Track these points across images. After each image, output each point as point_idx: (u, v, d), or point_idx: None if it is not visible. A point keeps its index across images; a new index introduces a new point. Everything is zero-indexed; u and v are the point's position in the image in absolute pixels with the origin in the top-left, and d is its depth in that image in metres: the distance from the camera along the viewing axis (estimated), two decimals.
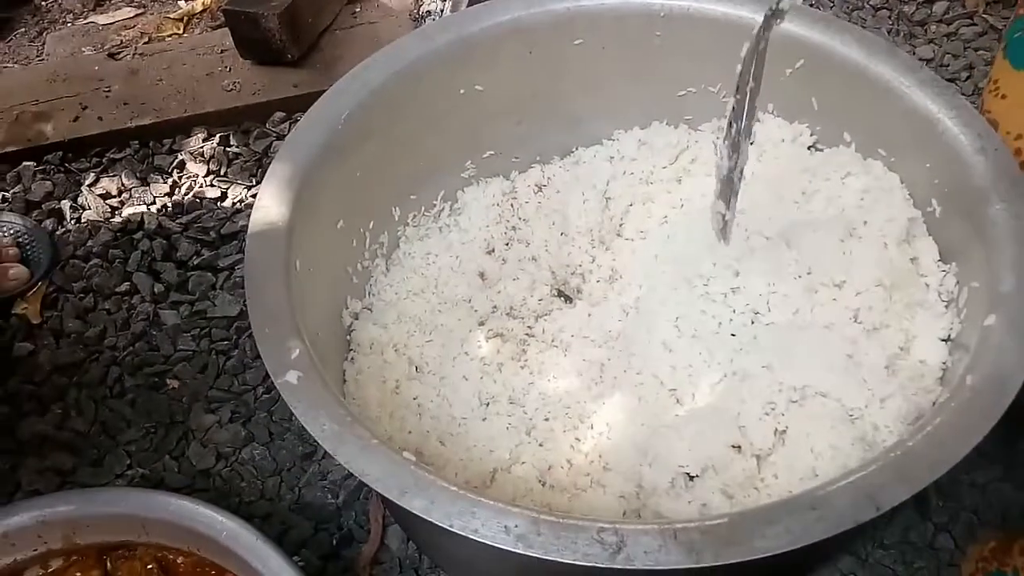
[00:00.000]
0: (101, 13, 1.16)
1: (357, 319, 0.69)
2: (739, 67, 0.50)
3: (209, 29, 1.09)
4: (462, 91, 0.71)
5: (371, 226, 0.70)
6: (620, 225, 0.74)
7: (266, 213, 0.55)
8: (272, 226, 0.54)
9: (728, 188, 0.55)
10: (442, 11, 0.97)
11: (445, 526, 0.41)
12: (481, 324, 0.70)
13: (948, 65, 0.95)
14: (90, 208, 0.92)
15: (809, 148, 0.68)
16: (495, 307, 0.72)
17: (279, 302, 0.51)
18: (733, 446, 0.52)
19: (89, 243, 0.88)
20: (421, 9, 0.98)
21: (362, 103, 0.64)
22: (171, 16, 1.11)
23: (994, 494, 0.65)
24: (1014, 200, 0.51)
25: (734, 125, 0.52)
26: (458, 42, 0.68)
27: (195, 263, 0.86)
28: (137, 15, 1.14)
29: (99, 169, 0.95)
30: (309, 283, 0.57)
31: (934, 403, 0.52)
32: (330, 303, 0.65)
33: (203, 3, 1.11)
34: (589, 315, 0.69)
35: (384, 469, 0.43)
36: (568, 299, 0.73)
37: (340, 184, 0.63)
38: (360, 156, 0.65)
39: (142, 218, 0.90)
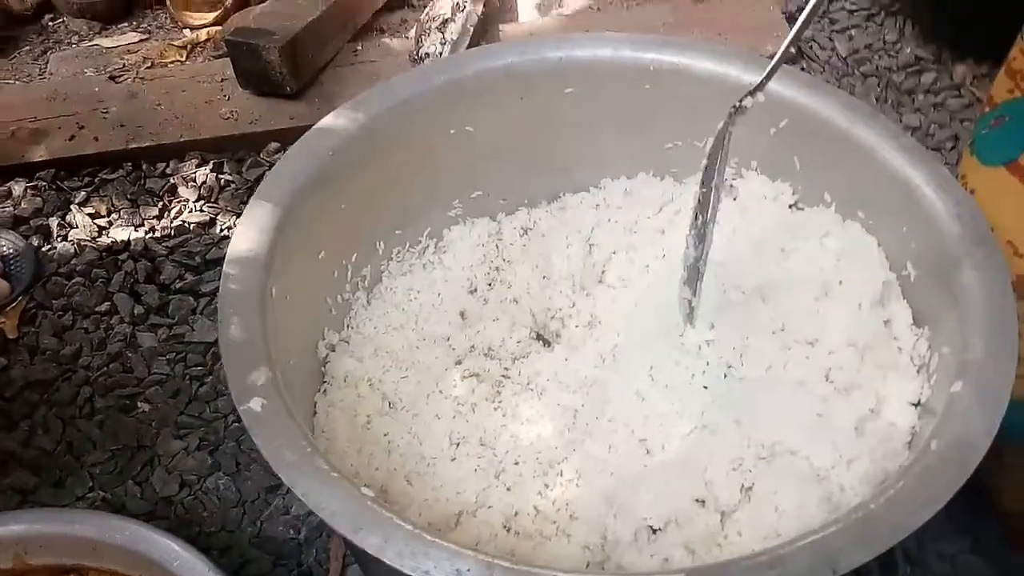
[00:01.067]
0: (106, 36, 1.17)
1: (333, 351, 0.69)
2: (704, 161, 0.51)
3: (212, 58, 1.10)
4: (452, 131, 0.72)
5: (354, 259, 0.70)
6: (603, 272, 0.74)
7: (246, 239, 0.55)
8: (251, 252, 0.54)
9: (695, 276, 0.56)
10: (441, 53, 0.98)
11: (396, 566, 0.41)
12: (458, 363, 0.70)
13: (934, 134, 0.97)
14: (78, 227, 0.92)
15: (790, 207, 0.69)
16: (473, 347, 0.71)
17: (251, 328, 0.50)
18: (697, 500, 0.52)
19: (73, 261, 0.88)
20: (421, 51, 1.00)
21: (352, 136, 0.64)
22: (175, 43, 1.12)
23: (963, 566, 0.65)
24: (987, 268, 0.52)
25: (699, 216, 0.53)
26: (451, 83, 0.69)
27: (177, 287, 0.86)
28: (142, 40, 1.16)
29: (90, 189, 0.96)
30: (285, 311, 0.57)
31: (902, 466, 0.51)
32: (306, 333, 0.65)
33: (208, 33, 1.13)
34: (566, 360, 0.69)
35: (341, 504, 0.43)
36: (547, 343, 0.73)
37: (324, 215, 0.64)
38: (346, 189, 0.66)
39: (129, 239, 0.90)
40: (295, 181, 0.59)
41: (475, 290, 0.76)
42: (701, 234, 0.55)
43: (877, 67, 1.05)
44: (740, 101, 0.54)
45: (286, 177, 0.59)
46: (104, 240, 0.91)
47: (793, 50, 1.04)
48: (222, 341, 0.49)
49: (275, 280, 0.55)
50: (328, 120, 0.64)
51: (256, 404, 0.46)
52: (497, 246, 0.79)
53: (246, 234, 0.55)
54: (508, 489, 0.62)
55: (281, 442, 0.45)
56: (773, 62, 0.53)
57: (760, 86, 0.54)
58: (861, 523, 0.41)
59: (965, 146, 0.69)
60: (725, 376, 0.59)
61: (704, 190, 0.54)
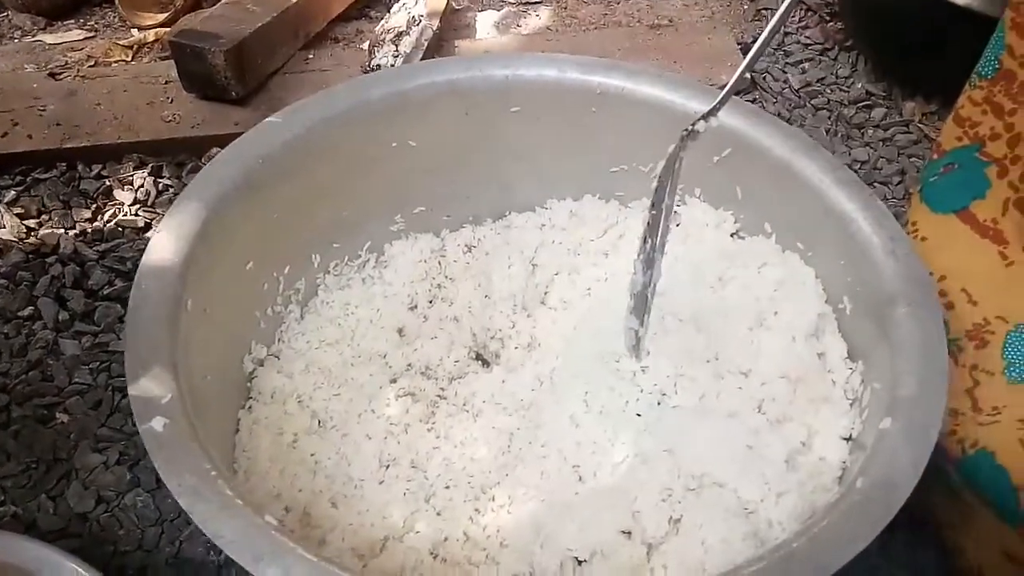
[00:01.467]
0: (51, 33, 1.14)
1: (261, 365, 0.67)
2: (654, 183, 0.51)
3: (158, 59, 1.07)
4: (394, 144, 0.71)
5: (287, 271, 0.68)
6: (545, 293, 0.73)
7: (163, 247, 0.53)
8: (166, 262, 0.52)
9: (642, 304, 0.55)
10: (393, 65, 0.97)
11: None
12: (393, 382, 0.68)
13: (881, 168, 0.98)
14: (5, 227, 0.88)
15: (732, 235, 0.68)
16: (410, 365, 0.70)
17: (159, 341, 0.48)
18: (623, 532, 0.50)
19: None
20: (373, 62, 0.98)
21: (285, 144, 0.62)
22: (121, 43, 1.09)
23: None
24: (920, 305, 0.52)
25: (648, 240, 0.52)
26: (392, 96, 0.68)
27: (106, 293, 0.82)
28: (87, 38, 1.13)
29: (21, 188, 0.92)
30: (203, 325, 0.55)
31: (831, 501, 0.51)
32: (229, 347, 0.62)
33: (156, 33, 1.10)
34: (503, 381, 0.67)
35: (240, 532, 0.40)
36: (486, 363, 0.71)
37: (253, 225, 0.61)
38: (277, 198, 0.63)
39: (58, 242, 0.87)
40: (221, 187, 0.57)
41: (415, 307, 0.74)
42: (650, 259, 0.54)
43: (829, 100, 1.06)
44: (692, 125, 0.53)
45: (211, 183, 0.57)
46: (32, 241, 0.87)
47: (749, 78, 1.05)
48: (127, 355, 0.47)
49: (192, 292, 0.53)
50: (261, 126, 0.62)
51: (157, 424, 0.44)
52: (440, 263, 0.77)
53: (163, 242, 0.53)
54: (438, 514, 0.60)
55: (182, 465, 0.43)
56: (726, 89, 0.52)
57: (713, 111, 0.53)
58: (783, 562, 0.40)
59: (914, 191, 0.69)
60: (659, 404, 0.58)
61: (654, 212, 0.53)
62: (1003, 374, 0.53)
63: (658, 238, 0.53)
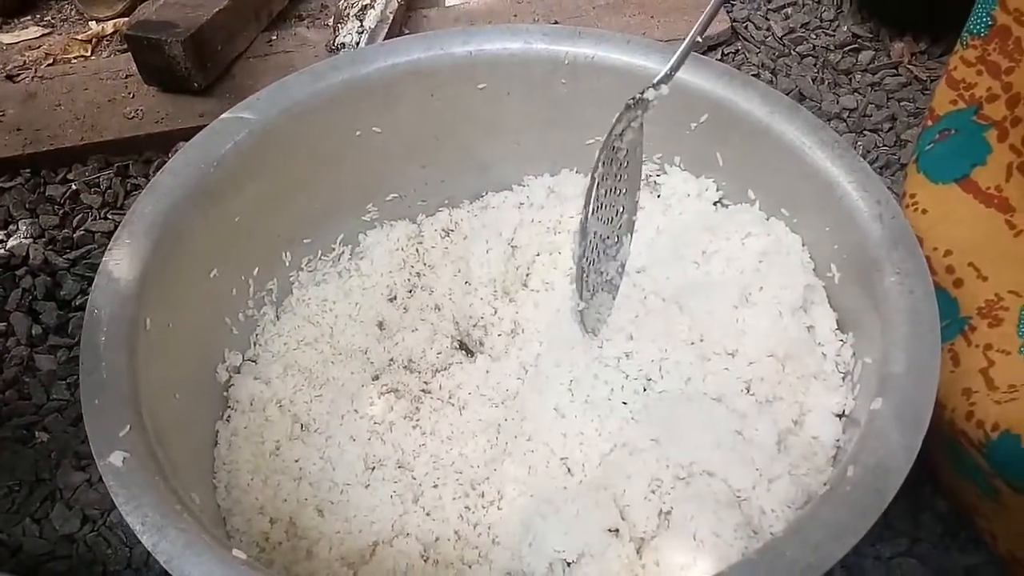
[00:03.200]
0: (6, 32, 1.10)
1: (238, 373, 0.65)
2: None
3: (117, 52, 1.04)
4: (358, 133, 0.68)
5: (255, 273, 0.66)
6: (526, 275, 0.71)
7: (115, 267, 0.50)
8: (119, 281, 0.50)
9: (579, 276, 0.54)
10: (357, 43, 0.93)
11: None
12: (375, 379, 0.66)
13: (871, 115, 0.94)
14: None
15: (715, 204, 0.66)
16: (392, 359, 0.68)
17: (116, 369, 0.46)
18: (610, 530, 0.49)
19: None
20: (336, 41, 0.95)
21: (239, 144, 0.59)
22: (78, 38, 1.05)
23: (898, 568, 0.63)
24: (908, 273, 0.49)
25: (583, 211, 0.51)
26: (351, 82, 0.64)
27: (79, 302, 0.80)
28: (44, 35, 1.09)
29: None
30: (167, 341, 0.53)
31: (825, 484, 0.49)
32: (199, 360, 0.60)
33: (114, 25, 1.06)
34: (488, 372, 0.65)
35: (207, 570, 0.39)
36: (469, 352, 0.69)
37: (212, 231, 0.59)
38: (239, 200, 0.61)
39: (27, 252, 0.85)
40: (172, 197, 0.55)
41: (395, 298, 0.72)
42: (583, 230, 0.52)
43: (814, 46, 1.02)
44: (641, 93, 0.51)
45: (162, 194, 0.55)
46: (1, 253, 0.85)
47: (730, 29, 1.01)
48: (82, 388, 0.45)
49: (151, 310, 0.50)
50: (212, 127, 0.60)
51: (117, 458, 0.42)
52: (417, 250, 0.75)
53: (114, 262, 0.50)
54: (427, 514, 0.58)
55: (143, 501, 0.41)
56: (677, 54, 0.50)
57: (665, 79, 0.50)
58: (772, 562, 0.39)
59: (910, 161, 0.64)
60: (644, 390, 0.56)
61: (589, 182, 0.51)
62: (1020, 353, 0.51)
63: (589, 210, 0.51)
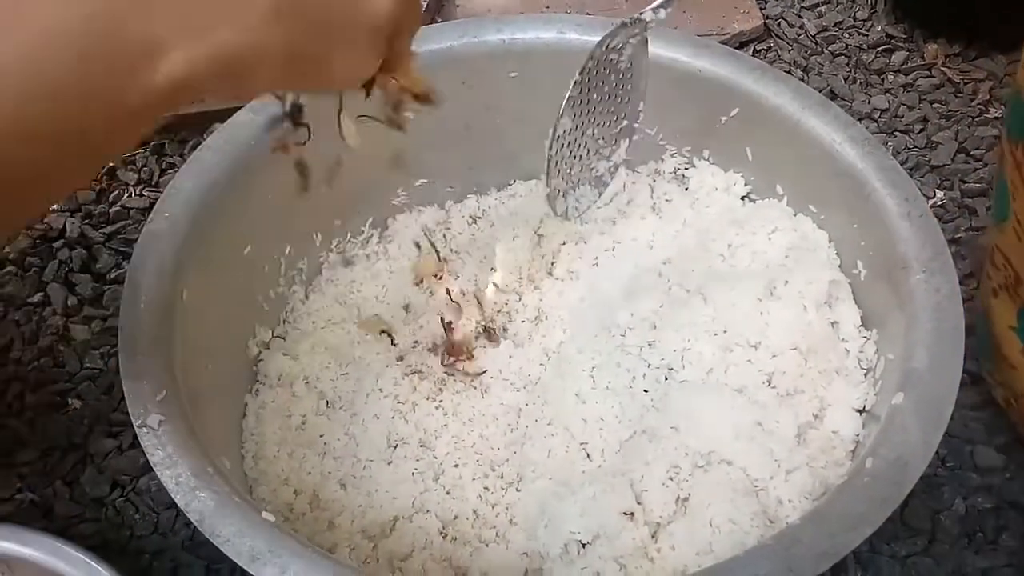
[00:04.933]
0: None
1: (267, 348, 0.66)
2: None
3: None
4: None
5: (287, 251, 0.67)
6: (552, 264, 0.72)
7: (154, 238, 0.52)
8: (159, 252, 0.51)
9: (548, 167, 0.59)
10: None
11: None
12: (400, 359, 0.68)
13: (903, 116, 0.94)
14: None
15: (743, 198, 0.66)
16: (416, 342, 0.69)
17: (153, 336, 0.48)
18: (625, 513, 0.49)
19: (6, 249, 0.84)
20: None
21: (275, 123, 0.60)
22: None
23: (913, 568, 0.63)
24: (935, 272, 0.49)
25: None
26: None
27: (113, 276, 0.82)
28: None
29: None
30: (202, 313, 0.54)
31: (843, 477, 0.49)
32: (232, 333, 0.62)
33: None
34: (511, 357, 0.66)
35: (238, 530, 0.40)
36: (493, 338, 0.70)
37: (248, 208, 0.60)
38: (274, 179, 0.62)
39: (64, 225, 0.87)
40: (212, 173, 0.56)
41: (421, 282, 0.73)
42: (555, 125, 0.57)
43: (847, 45, 1.01)
44: (639, 14, 0.56)
45: (202, 170, 0.56)
46: (38, 226, 0.87)
47: (759, 28, 1.00)
48: (121, 354, 0.46)
49: (187, 283, 0.52)
50: (252, 105, 0.61)
51: (153, 420, 0.43)
52: (444, 235, 0.76)
53: (154, 233, 0.52)
54: (447, 492, 0.60)
55: (179, 462, 0.42)
56: None
57: (665, 3, 0.56)
58: (789, 548, 0.39)
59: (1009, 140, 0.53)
60: (666, 379, 0.56)
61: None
62: None
63: (561, 110, 0.56)
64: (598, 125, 0.59)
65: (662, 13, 0.56)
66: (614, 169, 0.62)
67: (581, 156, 0.60)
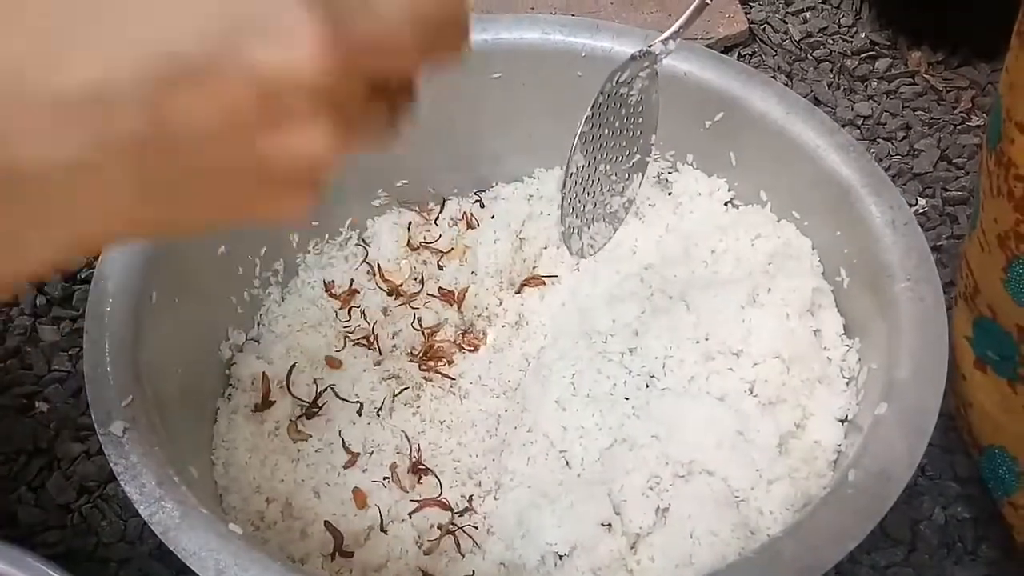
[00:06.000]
0: None
1: (240, 351, 0.65)
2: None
3: None
4: None
5: (263, 253, 0.66)
6: (533, 268, 0.71)
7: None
8: (127, 253, 0.50)
9: (562, 206, 0.57)
10: None
11: None
12: (377, 364, 0.66)
13: (885, 123, 0.94)
14: None
15: (726, 204, 0.65)
16: (395, 347, 0.68)
17: (120, 339, 0.46)
18: (603, 524, 0.49)
19: None
20: None
21: None
22: None
23: None
24: (919, 280, 0.49)
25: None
26: None
27: (84, 276, 0.80)
28: None
29: None
30: (172, 315, 0.53)
31: (825, 488, 0.49)
32: (203, 335, 0.60)
33: None
34: (490, 363, 0.66)
35: (202, 543, 0.39)
36: (473, 343, 0.69)
37: None
38: None
39: None
40: None
41: (400, 285, 0.72)
42: (567, 163, 0.56)
43: (831, 52, 1.01)
44: (649, 46, 0.54)
45: None
46: None
47: (748, 30, 1.00)
48: (86, 356, 0.45)
49: (158, 282, 0.50)
50: None
51: (117, 428, 0.42)
52: (425, 237, 0.75)
53: None
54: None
55: (141, 471, 0.41)
56: (691, 9, 0.52)
57: (674, 35, 0.54)
58: (769, 563, 0.38)
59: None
60: (647, 387, 0.56)
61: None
62: None
63: (574, 147, 0.55)
64: (610, 161, 0.58)
65: (671, 44, 0.54)
66: (628, 204, 0.60)
67: (595, 193, 0.58)
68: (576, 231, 0.59)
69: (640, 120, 0.57)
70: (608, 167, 0.58)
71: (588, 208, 0.59)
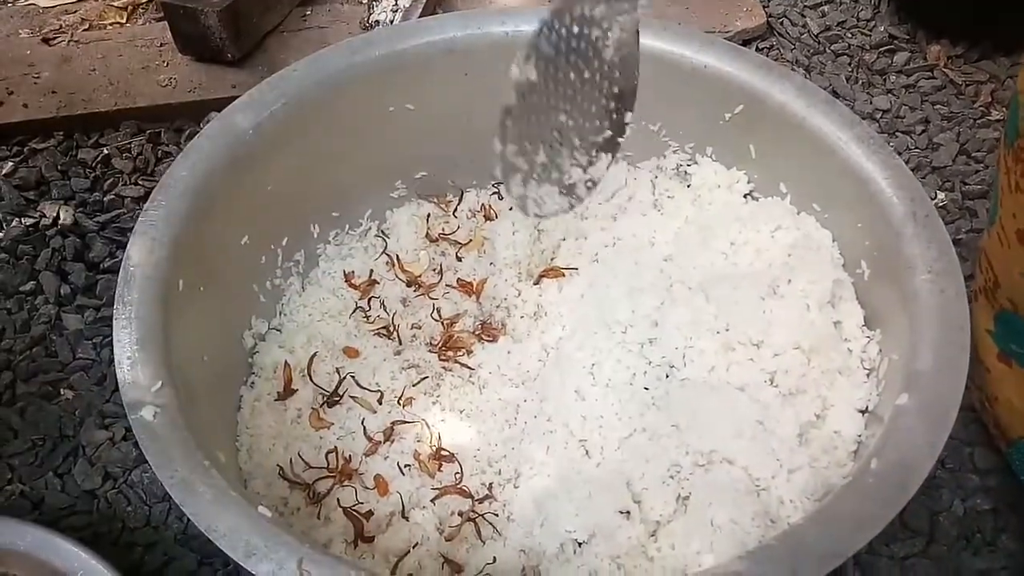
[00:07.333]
0: None
1: (263, 340, 0.66)
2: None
3: (153, 20, 1.04)
4: (391, 108, 0.68)
5: (284, 243, 0.67)
6: (551, 259, 0.71)
7: (150, 227, 0.51)
8: (156, 241, 0.50)
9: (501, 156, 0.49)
10: (391, 21, 0.93)
11: None
12: (397, 354, 0.67)
13: (904, 117, 0.93)
14: (4, 199, 0.87)
15: (745, 196, 0.65)
16: (414, 337, 0.68)
17: (150, 326, 0.47)
18: (621, 512, 0.49)
19: None
20: (371, 18, 0.95)
21: (275, 113, 0.60)
22: (114, 4, 1.06)
23: (911, 569, 0.63)
24: (940, 273, 0.49)
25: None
26: (386, 58, 0.65)
27: (107, 265, 0.81)
28: (80, 0, 1.09)
29: (19, 159, 0.90)
30: (197, 304, 0.54)
31: (845, 477, 0.49)
32: (227, 324, 0.61)
33: None
34: (509, 353, 0.66)
35: (233, 525, 0.39)
36: (492, 334, 0.70)
37: (246, 198, 0.59)
38: (270, 169, 0.61)
39: (58, 213, 0.85)
40: (209, 162, 0.55)
41: (419, 275, 0.73)
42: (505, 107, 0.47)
43: (849, 45, 1.01)
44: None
45: (199, 159, 0.55)
46: (32, 214, 0.86)
47: (762, 26, 1.00)
48: (115, 344, 0.45)
49: (184, 271, 0.51)
50: (250, 94, 0.60)
51: (148, 413, 0.43)
52: (444, 229, 0.75)
53: (151, 223, 0.51)
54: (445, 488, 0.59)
55: (174, 455, 0.41)
56: None
57: None
58: (791, 550, 0.39)
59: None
60: (667, 377, 0.56)
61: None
62: None
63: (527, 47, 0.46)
64: (573, 117, 0.49)
65: None
66: (591, 185, 0.52)
67: (551, 145, 0.49)
68: (521, 176, 0.50)
69: (615, 88, 0.50)
70: (570, 121, 0.49)
71: (539, 158, 0.50)
